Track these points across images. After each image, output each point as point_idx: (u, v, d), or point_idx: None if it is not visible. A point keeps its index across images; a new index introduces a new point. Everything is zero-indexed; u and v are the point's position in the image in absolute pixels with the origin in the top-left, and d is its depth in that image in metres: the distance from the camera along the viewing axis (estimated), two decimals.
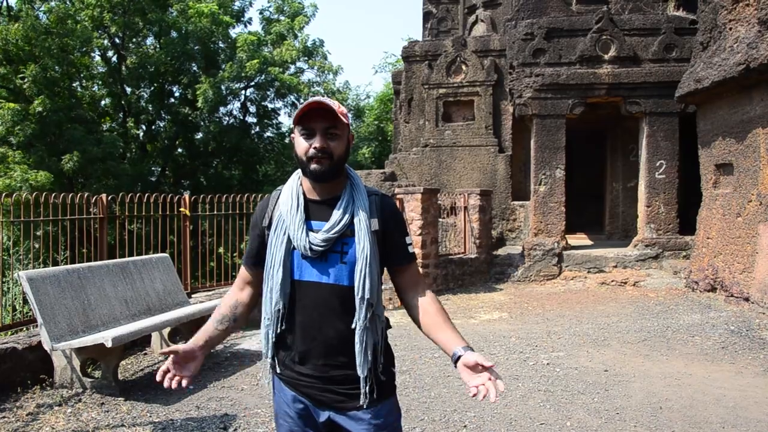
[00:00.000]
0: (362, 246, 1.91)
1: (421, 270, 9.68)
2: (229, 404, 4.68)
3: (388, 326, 2.08)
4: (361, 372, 1.90)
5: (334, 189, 1.99)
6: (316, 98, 1.90)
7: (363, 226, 1.93)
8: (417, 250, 9.70)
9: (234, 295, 2.13)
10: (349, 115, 2.00)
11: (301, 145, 1.92)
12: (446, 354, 1.89)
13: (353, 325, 1.90)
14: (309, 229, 1.94)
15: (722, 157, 8.71)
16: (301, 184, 2.03)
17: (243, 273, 2.13)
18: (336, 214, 1.93)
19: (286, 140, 25.52)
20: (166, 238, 7.46)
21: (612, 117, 12.39)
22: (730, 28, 8.19)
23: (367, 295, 1.90)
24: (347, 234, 1.93)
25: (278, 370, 2.02)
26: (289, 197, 2.01)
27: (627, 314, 8.05)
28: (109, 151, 18.13)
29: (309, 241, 1.91)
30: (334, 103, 1.91)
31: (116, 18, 20.49)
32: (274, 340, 1.97)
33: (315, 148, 1.88)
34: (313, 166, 1.90)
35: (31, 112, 16.84)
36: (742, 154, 8.16)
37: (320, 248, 1.91)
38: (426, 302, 2.01)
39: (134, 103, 22.34)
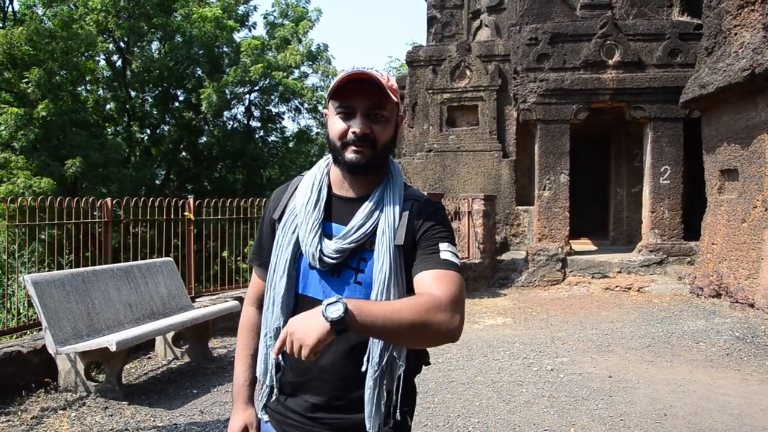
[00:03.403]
0: (381, 265, 1.49)
1: None
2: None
3: (425, 362, 1.70)
4: (371, 426, 1.49)
5: (368, 185, 1.58)
6: (360, 68, 1.50)
7: (386, 238, 1.50)
8: None
9: (254, 317, 1.74)
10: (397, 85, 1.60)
11: (337, 126, 1.54)
12: None
13: (364, 367, 1.48)
14: (326, 233, 1.55)
15: (727, 163, 8.69)
16: (327, 174, 1.64)
17: (256, 281, 1.75)
18: (357, 217, 1.53)
19: (290, 144, 25.59)
20: (170, 242, 7.47)
21: (616, 122, 12.38)
22: (735, 34, 8.18)
23: None
24: (366, 247, 1.52)
25: (266, 399, 1.64)
26: (309, 188, 1.61)
27: (631, 320, 8.03)
28: (112, 156, 18.18)
29: (320, 250, 1.52)
30: (383, 75, 1.51)
31: (121, 22, 20.58)
32: (274, 363, 1.60)
33: (354, 133, 1.50)
34: (350, 155, 1.51)
35: (34, 117, 16.90)
36: (747, 159, 8.14)
37: (332, 260, 1.52)
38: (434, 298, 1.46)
39: (138, 107, 22.43)
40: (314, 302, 1.51)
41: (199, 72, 22.27)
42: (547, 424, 4.32)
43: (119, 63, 22.72)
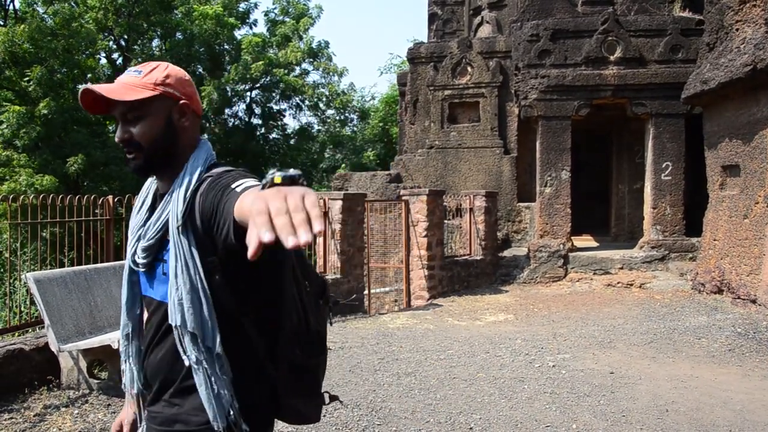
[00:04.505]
0: (174, 252, 1.43)
1: (426, 272, 9.70)
2: None
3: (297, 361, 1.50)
4: (217, 424, 1.41)
5: (171, 180, 1.54)
6: (92, 85, 1.48)
7: (173, 223, 1.44)
8: (423, 252, 9.68)
9: None
10: (168, 73, 1.52)
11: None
12: None
13: (187, 362, 1.43)
14: None
15: (729, 159, 8.67)
16: None
17: None
18: (155, 214, 1.51)
19: (291, 141, 25.60)
20: None
21: (618, 118, 12.36)
22: (737, 29, 8.16)
23: (180, 322, 1.41)
24: (169, 237, 1.48)
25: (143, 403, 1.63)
26: (140, 193, 1.64)
27: (633, 316, 8.03)
28: (113, 154, 18.21)
29: (134, 252, 1.53)
30: (141, 71, 1.50)
31: (120, 20, 20.58)
32: (128, 370, 1.60)
33: (117, 141, 1.51)
34: (128, 160, 1.52)
35: (36, 115, 16.91)
36: (749, 155, 8.13)
37: (143, 260, 1.51)
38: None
39: None
40: (146, 300, 1.57)
41: (200, 69, 22.27)
42: (549, 421, 4.33)
43: (120, 61, 22.72)
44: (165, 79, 1.50)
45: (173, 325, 1.42)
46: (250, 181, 1.33)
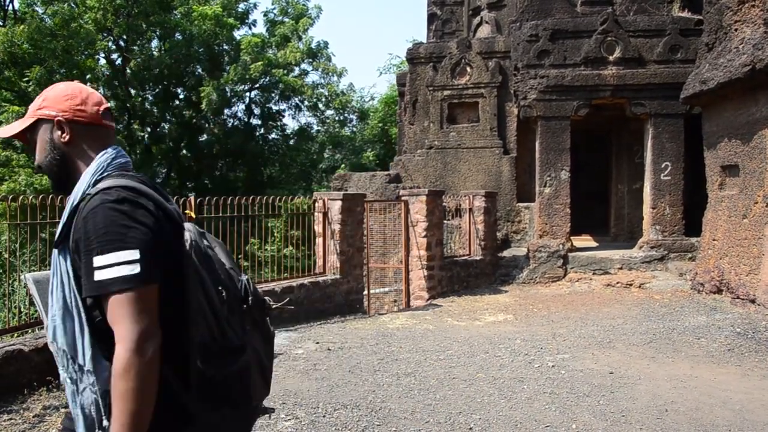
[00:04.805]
0: (52, 269, 1.49)
1: (426, 272, 9.70)
2: None
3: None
4: None
5: None
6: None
7: (55, 242, 1.49)
8: (422, 252, 9.67)
9: None
10: (46, 96, 1.58)
11: None
12: None
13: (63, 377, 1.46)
14: None
15: (728, 159, 8.68)
16: None
17: None
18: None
19: (291, 142, 25.60)
20: None
21: (617, 119, 12.37)
22: (736, 29, 8.17)
23: (52, 339, 1.45)
24: None
25: None
26: None
27: (632, 316, 8.03)
28: None
29: None
30: (34, 102, 1.59)
31: (120, 20, 20.58)
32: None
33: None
34: None
35: None
36: (748, 155, 8.14)
37: None
38: (113, 369, 1.34)
39: (139, 106, 22.44)
40: None
41: (199, 70, 22.26)
42: (549, 421, 4.33)
43: (119, 61, 22.72)
44: (41, 103, 1.56)
45: (48, 341, 1.46)
46: (112, 263, 1.35)
